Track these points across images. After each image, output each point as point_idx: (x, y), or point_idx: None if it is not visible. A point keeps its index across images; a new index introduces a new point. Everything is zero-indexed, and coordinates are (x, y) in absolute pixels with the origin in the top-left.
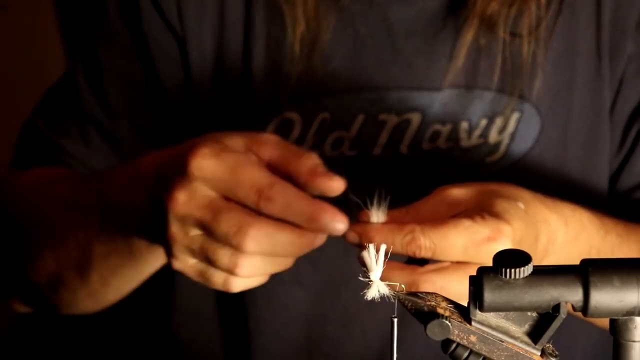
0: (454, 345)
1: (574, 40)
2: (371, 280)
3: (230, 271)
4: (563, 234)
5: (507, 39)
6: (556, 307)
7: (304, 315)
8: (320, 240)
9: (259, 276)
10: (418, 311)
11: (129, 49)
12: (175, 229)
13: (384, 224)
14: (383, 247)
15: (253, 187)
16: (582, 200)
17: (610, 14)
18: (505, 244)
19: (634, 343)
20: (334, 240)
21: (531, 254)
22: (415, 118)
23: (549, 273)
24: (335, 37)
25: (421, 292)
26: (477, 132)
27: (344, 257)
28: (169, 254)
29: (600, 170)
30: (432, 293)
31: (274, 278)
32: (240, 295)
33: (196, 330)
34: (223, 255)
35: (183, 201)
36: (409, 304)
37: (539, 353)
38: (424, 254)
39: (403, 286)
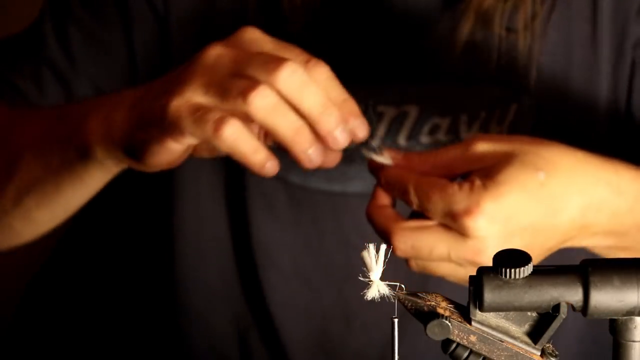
0: (454, 345)
1: (569, 31)
2: (371, 280)
3: (243, 96)
4: (615, 203)
5: (503, 33)
6: (556, 307)
7: (303, 311)
8: (312, 157)
9: (245, 137)
10: (418, 311)
11: (107, 10)
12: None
13: (396, 165)
14: (383, 247)
15: (303, 56)
16: None
17: (610, 3)
18: (479, 222)
19: (634, 343)
20: (333, 235)
21: (541, 229)
22: (413, 110)
23: (549, 273)
24: (333, 30)
25: (421, 292)
26: (476, 125)
27: (344, 251)
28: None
29: None
30: (432, 293)
31: (273, 273)
32: (240, 291)
33: (199, 326)
34: (241, 83)
35: (213, 57)
36: (409, 304)
37: (539, 353)
38: (414, 208)
39: (403, 286)
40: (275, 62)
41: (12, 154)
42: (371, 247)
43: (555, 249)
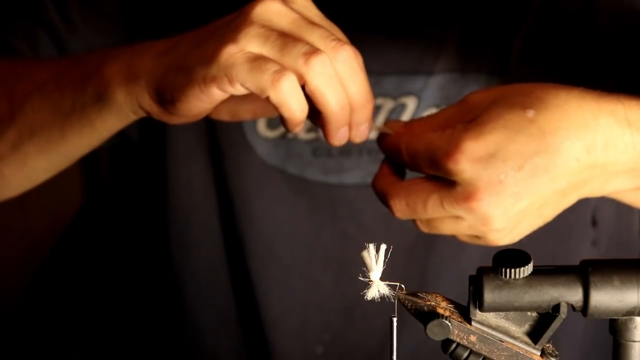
0: (454, 345)
1: (562, 16)
2: (371, 280)
3: (305, 57)
4: (627, 136)
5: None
6: (556, 307)
7: (300, 303)
8: (341, 136)
9: (299, 94)
10: (418, 311)
11: None
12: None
13: (396, 133)
14: (383, 247)
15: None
16: None
17: None
18: (461, 163)
19: (634, 343)
20: (330, 227)
21: (538, 169)
22: (411, 102)
23: (549, 273)
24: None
25: (421, 292)
26: None
27: (342, 242)
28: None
29: None
30: (432, 293)
31: (269, 264)
32: (240, 284)
33: (191, 318)
34: (301, 45)
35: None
36: (409, 304)
37: (539, 353)
38: (409, 168)
39: (403, 286)
40: (336, 40)
41: (18, 97)
42: (371, 247)
43: (572, 194)
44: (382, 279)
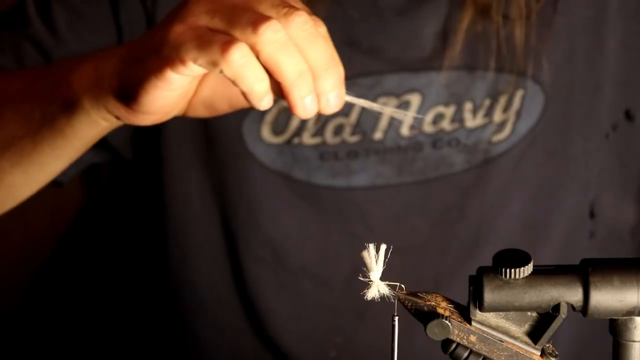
0: (454, 345)
1: (572, 15)
2: (371, 280)
3: (253, 26)
4: None
5: (501, 22)
6: (556, 307)
7: (312, 306)
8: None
9: (253, 63)
10: (418, 311)
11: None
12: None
13: None
14: (383, 247)
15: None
16: (584, 172)
17: None
18: None
19: (634, 343)
20: (339, 229)
21: None
22: (415, 99)
23: (549, 273)
24: (329, 24)
25: (421, 292)
26: (481, 112)
27: (351, 244)
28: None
29: (599, 142)
30: (432, 293)
31: (279, 272)
32: (248, 287)
33: (210, 323)
34: (251, 15)
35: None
36: (409, 304)
37: (539, 353)
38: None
39: (403, 286)
40: (288, 6)
41: None
42: (371, 247)
43: None
44: (393, 280)
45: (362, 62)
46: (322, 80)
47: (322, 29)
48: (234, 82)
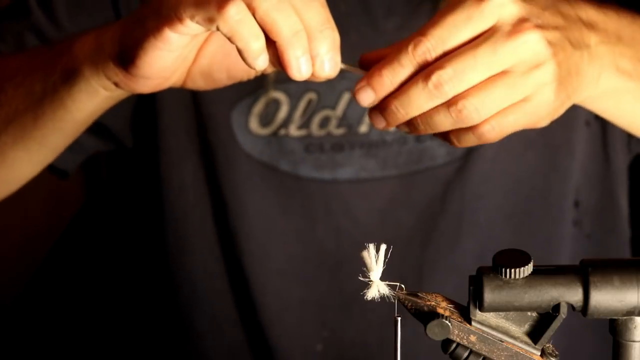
0: (454, 345)
1: None
2: (371, 280)
3: None
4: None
5: None
6: (556, 307)
7: (297, 301)
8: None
9: (249, 20)
10: (418, 311)
11: None
12: None
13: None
14: (383, 247)
15: None
16: (567, 161)
17: None
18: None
19: (634, 343)
20: (324, 222)
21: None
22: None
23: (549, 273)
24: None
25: (421, 292)
26: None
27: (336, 238)
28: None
29: (580, 131)
30: (432, 293)
31: (265, 264)
32: (239, 279)
33: (187, 321)
34: None
35: None
36: (409, 304)
37: (539, 353)
38: (434, 52)
39: (403, 286)
40: None
41: None
42: (371, 247)
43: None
44: (381, 276)
45: (352, 54)
46: (317, 41)
47: None
48: (230, 39)
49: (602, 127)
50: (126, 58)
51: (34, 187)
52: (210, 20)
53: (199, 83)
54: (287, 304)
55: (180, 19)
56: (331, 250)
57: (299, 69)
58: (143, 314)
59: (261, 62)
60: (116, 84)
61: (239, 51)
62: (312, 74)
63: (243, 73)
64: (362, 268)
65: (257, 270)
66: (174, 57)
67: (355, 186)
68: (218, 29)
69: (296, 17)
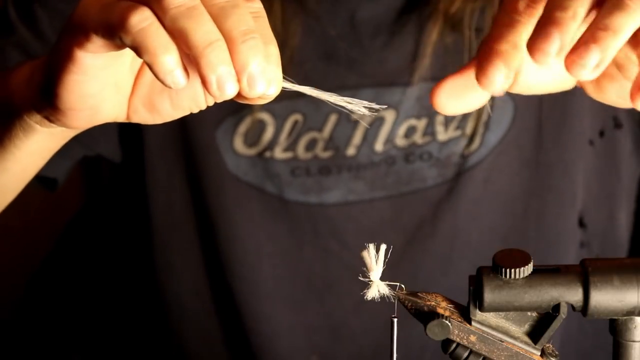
0: (454, 345)
1: None
2: (371, 281)
3: None
4: None
5: (473, 35)
6: (556, 307)
7: (287, 326)
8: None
9: (155, 29)
10: (418, 311)
11: None
12: None
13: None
14: (383, 247)
15: None
16: (565, 181)
17: None
18: None
19: (634, 343)
20: (312, 245)
21: None
22: (389, 115)
23: (549, 273)
24: (305, 39)
25: (421, 292)
26: (453, 124)
27: (324, 260)
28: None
29: (580, 150)
30: (432, 293)
31: (253, 287)
32: (227, 304)
33: (175, 341)
34: None
35: None
36: (409, 304)
37: (539, 353)
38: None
39: (403, 286)
40: None
41: None
42: (371, 247)
43: None
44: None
45: (339, 76)
46: (240, 54)
47: (257, 4)
48: (136, 52)
49: (612, 144)
50: (48, 88)
51: (34, 188)
52: (112, 32)
53: (143, 115)
54: (278, 330)
55: (85, 34)
56: (319, 272)
57: (219, 86)
58: (137, 323)
59: (176, 78)
60: (48, 119)
61: (148, 66)
62: (243, 94)
63: (190, 102)
64: (361, 268)
65: (247, 293)
66: (94, 83)
67: (343, 209)
68: (121, 41)
69: (212, 25)
